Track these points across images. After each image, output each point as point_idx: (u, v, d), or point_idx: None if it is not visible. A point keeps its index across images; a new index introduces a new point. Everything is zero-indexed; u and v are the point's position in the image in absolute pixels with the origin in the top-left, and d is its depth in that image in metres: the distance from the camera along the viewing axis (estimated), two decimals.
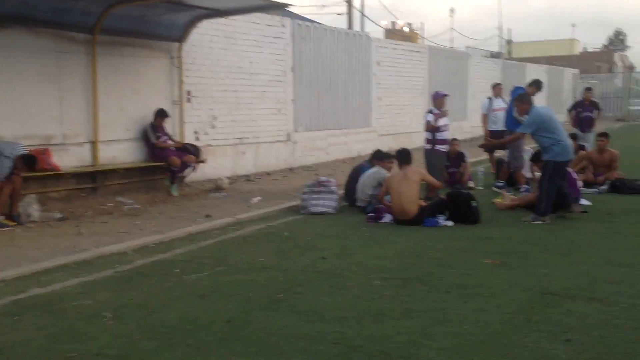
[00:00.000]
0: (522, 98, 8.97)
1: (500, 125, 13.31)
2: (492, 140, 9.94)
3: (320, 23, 16.58)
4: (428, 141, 10.60)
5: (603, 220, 8.40)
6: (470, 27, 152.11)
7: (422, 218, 8.40)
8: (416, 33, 71.50)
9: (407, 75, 20.85)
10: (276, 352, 4.17)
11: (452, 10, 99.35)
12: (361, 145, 18.42)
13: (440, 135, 10.50)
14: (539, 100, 26.84)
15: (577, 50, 70.96)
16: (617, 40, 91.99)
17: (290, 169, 15.39)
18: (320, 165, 16.35)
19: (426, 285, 5.58)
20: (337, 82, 17.39)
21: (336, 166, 16.12)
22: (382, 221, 8.72)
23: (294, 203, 10.12)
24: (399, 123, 20.67)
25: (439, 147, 10.52)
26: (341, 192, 10.34)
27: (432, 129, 10.44)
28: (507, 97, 12.56)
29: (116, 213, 9.42)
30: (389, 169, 9.53)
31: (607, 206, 9.47)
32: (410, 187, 8.41)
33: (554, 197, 8.37)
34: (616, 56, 69.73)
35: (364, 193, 9.48)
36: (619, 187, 10.73)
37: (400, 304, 5.09)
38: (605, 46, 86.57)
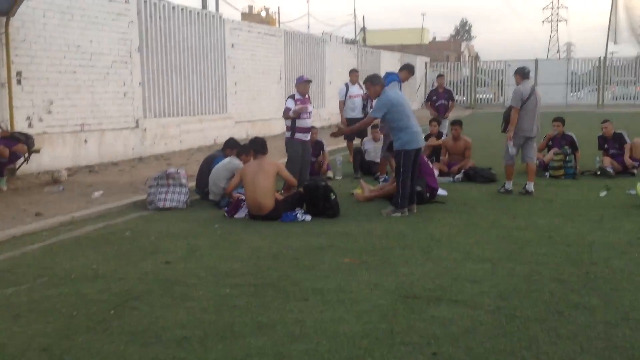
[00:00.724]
0: (372, 80, 8.46)
1: (357, 112, 13.18)
2: (342, 128, 9.47)
3: (169, 1, 15.52)
4: (288, 129, 10.07)
5: (460, 212, 8.28)
6: (326, 14, 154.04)
7: (279, 213, 7.87)
8: (273, 18, 71.23)
9: (263, 60, 20.25)
10: None
11: None
12: (217, 132, 17.66)
13: (301, 123, 9.95)
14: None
15: (427, 39, 73.72)
16: (464, 30, 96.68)
17: (140, 159, 14.35)
18: (173, 154, 15.42)
19: (282, 292, 5.03)
20: (189, 65, 16.47)
21: (191, 155, 15.28)
22: (237, 216, 8.09)
23: (140, 197, 9.26)
24: (257, 109, 20.07)
25: (299, 135, 9.99)
26: (192, 184, 9.60)
27: (290, 116, 9.90)
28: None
29: None
30: (245, 162, 8.89)
31: (463, 196, 9.41)
32: (265, 179, 7.83)
33: (410, 188, 8.13)
34: (463, 45, 73.17)
35: (216, 186, 8.80)
36: (472, 176, 10.78)
37: (252, 316, 4.50)
38: (452, 36, 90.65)
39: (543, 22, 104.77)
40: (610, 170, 10.84)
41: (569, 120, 12.04)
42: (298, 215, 7.88)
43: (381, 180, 10.68)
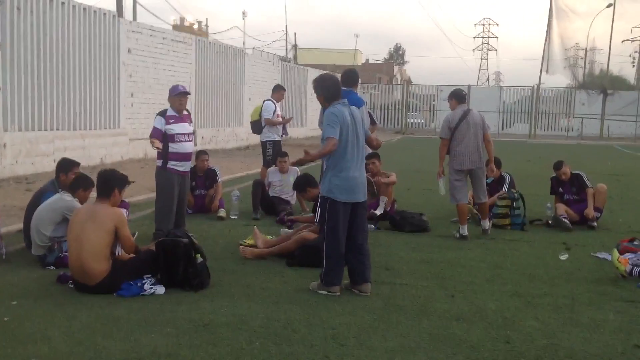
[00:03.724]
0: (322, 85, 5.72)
1: (278, 135, 11.30)
2: (311, 154, 6.28)
3: None
4: (159, 156, 7.61)
5: (380, 283, 5.86)
6: (259, 29, 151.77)
7: (117, 282, 5.37)
8: (206, 32, 68.41)
9: (168, 69, 17.71)
10: None
11: (244, 13, 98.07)
12: (106, 150, 15.02)
13: (176, 148, 7.52)
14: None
15: (360, 60, 72.50)
16: (397, 55, 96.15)
17: None
18: (43, 175, 12.62)
19: None
20: (70, 69, 13.81)
21: None
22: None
23: None
24: None
25: (174, 164, 7.54)
26: (18, 226, 7.02)
27: (159, 138, 7.46)
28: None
29: None
30: (82, 200, 6.36)
31: (385, 254, 7.07)
32: (96, 234, 5.31)
33: (342, 254, 5.55)
34: (396, 69, 72.23)
35: (40, 234, 6.21)
36: (399, 223, 8.52)
37: None
38: (386, 59, 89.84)
39: (474, 50, 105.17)
40: (566, 220, 8.79)
41: (503, 150, 9.97)
42: (145, 286, 5.40)
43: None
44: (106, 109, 15.16)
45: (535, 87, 39.28)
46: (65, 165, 6.76)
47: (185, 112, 7.64)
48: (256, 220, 9.01)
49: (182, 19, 72.12)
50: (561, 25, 44.13)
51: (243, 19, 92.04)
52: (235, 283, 5.79)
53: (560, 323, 4.96)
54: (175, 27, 66.04)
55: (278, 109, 11.45)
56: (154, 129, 7.48)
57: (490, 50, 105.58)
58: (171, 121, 7.47)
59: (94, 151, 14.59)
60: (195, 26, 71.29)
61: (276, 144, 11.26)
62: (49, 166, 13.08)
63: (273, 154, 10.95)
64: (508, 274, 6.44)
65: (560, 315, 5.14)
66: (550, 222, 9.04)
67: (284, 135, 11.54)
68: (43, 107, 12.99)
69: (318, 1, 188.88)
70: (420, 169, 15.98)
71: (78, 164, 7.04)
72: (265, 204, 9.50)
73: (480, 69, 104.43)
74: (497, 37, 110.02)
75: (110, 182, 5.66)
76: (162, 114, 7.55)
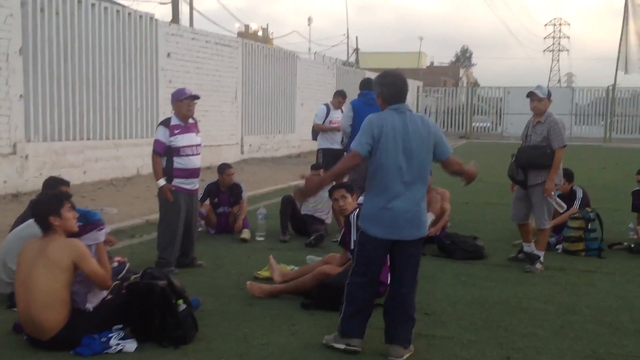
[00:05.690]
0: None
1: (336, 143, 9.92)
2: (312, 179, 4.94)
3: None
4: (164, 172, 6.53)
5: (417, 335, 4.58)
6: (323, 34, 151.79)
7: (77, 335, 4.27)
8: (271, 38, 68.25)
9: (212, 74, 16.75)
10: None
11: (309, 19, 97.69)
12: (142, 161, 14.12)
13: (181, 163, 6.46)
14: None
15: (425, 63, 70.77)
16: (464, 57, 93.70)
17: (16, 195, 10.79)
18: (71, 189, 11.83)
19: None
20: (102, 75, 12.96)
21: (96, 190, 11.79)
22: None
23: None
24: (202, 133, 16.50)
25: (180, 182, 6.47)
26: None
27: (163, 151, 6.44)
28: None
29: None
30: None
31: (427, 290, 5.72)
32: (48, 274, 4.21)
33: (366, 300, 4.34)
34: (462, 71, 70.08)
35: (7, 268, 5.21)
36: (449, 248, 7.19)
37: None
38: (453, 62, 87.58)
39: (544, 51, 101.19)
40: None
41: (576, 155, 8.52)
42: (112, 341, 4.28)
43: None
44: (143, 116, 14.30)
45: (610, 87, 36.73)
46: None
47: (191, 121, 6.56)
48: (284, 242, 7.88)
49: (246, 27, 72.23)
50: (637, 23, 41.39)
51: (308, 24, 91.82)
52: (230, 334, 4.61)
53: None
54: (240, 34, 66.16)
55: (335, 115, 10.24)
56: (157, 142, 6.45)
57: (561, 50, 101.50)
58: (176, 132, 6.42)
59: (129, 161, 13.75)
60: (260, 33, 71.29)
61: (328, 153, 9.96)
62: (78, 178, 12.30)
63: (325, 164, 9.59)
64: (582, 322, 5.04)
65: None
66: (632, 246, 7.54)
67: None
68: (71, 116, 12.18)
69: (381, 4, 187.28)
70: (482, 178, 14.41)
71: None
72: (296, 223, 8.33)
73: (551, 70, 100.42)
74: (568, 37, 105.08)
75: (40, 213, 4.42)
76: (165, 123, 6.51)
